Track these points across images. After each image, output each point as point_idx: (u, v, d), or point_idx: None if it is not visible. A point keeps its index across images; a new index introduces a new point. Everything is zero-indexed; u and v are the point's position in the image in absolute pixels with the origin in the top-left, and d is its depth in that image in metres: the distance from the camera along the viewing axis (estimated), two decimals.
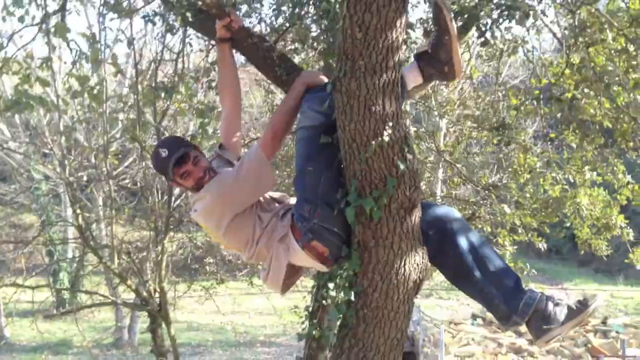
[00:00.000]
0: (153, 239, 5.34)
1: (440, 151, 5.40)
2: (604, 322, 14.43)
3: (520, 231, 5.67)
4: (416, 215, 2.54)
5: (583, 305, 2.52)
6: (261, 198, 2.78)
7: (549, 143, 5.21)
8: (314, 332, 4.19)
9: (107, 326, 18.37)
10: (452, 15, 2.54)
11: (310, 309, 4.39)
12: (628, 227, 4.93)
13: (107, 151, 4.89)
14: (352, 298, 2.54)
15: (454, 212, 2.71)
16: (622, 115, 4.22)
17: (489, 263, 2.58)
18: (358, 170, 2.45)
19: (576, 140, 4.95)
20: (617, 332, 13.50)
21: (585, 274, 24.96)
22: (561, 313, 2.50)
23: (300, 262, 2.69)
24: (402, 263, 2.52)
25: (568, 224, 5.23)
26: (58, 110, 6.06)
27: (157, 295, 5.54)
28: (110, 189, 4.98)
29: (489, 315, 15.62)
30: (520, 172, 5.07)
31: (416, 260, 2.56)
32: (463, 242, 2.57)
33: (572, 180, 5.14)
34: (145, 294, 5.58)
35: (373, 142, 2.38)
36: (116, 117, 6.36)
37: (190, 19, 2.98)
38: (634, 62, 3.71)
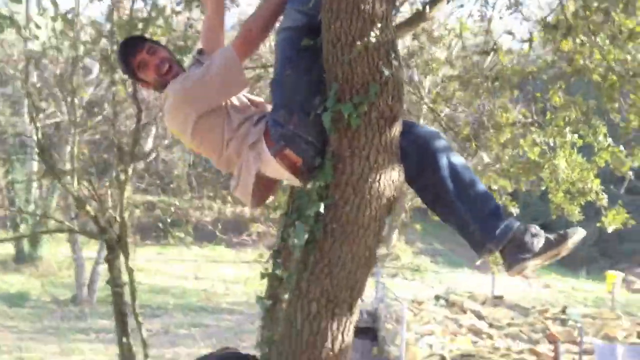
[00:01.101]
0: (117, 161, 5.14)
1: (422, 97, 5.29)
2: (563, 311, 14.79)
3: (494, 194, 5.60)
4: (396, 128, 2.40)
5: (562, 237, 2.43)
6: (236, 100, 2.62)
7: (533, 104, 5.14)
8: (277, 271, 4.08)
9: (66, 282, 18.17)
10: None
11: (275, 247, 4.27)
12: (603, 193, 4.90)
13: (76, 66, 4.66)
14: (322, 210, 2.41)
15: (438, 133, 2.59)
16: (610, 73, 4.14)
17: (469, 187, 2.46)
18: (340, 73, 2.31)
19: (561, 100, 4.89)
20: (575, 321, 13.77)
21: (548, 265, 25.29)
22: (538, 243, 2.39)
23: (271, 172, 2.55)
24: (377, 177, 2.39)
25: (543, 187, 5.19)
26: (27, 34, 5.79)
27: (116, 225, 5.36)
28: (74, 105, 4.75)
29: (452, 297, 15.93)
30: (502, 128, 4.99)
31: (392, 177, 2.43)
32: (444, 163, 2.45)
33: (553, 144, 5.08)
34: (103, 223, 5.39)
35: (359, 43, 2.24)
36: (91, 48, 6.12)
37: None
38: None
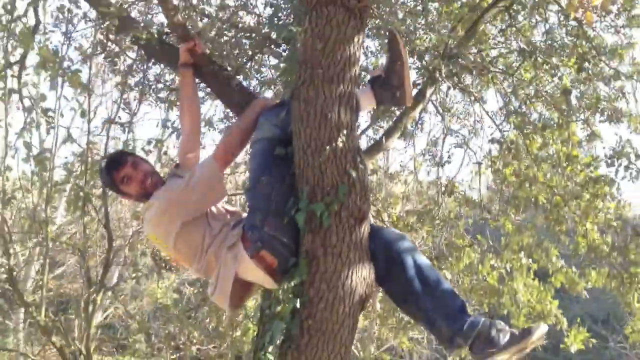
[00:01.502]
0: (86, 290, 5.07)
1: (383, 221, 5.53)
2: None
3: None
4: (365, 227, 2.58)
5: (526, 332, 2.55)
6: (214, 208, 2.78)
7: (487, 227, 5.43)
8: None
9: None
10: (404, 42, 2.76)
11: (257, 333, 4.20)
12: (562, 316, 5.04)
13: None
14: (297, 305, 2.49)
15: (404, 236, 2.77)
16: (554, 197, 4.49)
17: (435, 286, 2.60)
18: (311, 177, 2.52)
19: (512, 227, 5.20)
20: None
21: None
22: (504, 338, 2.51)
23: (248, 274, 2.65)
24: (350, 273, 2.52)
25: (505, 312, 5.31)
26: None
27: (81, 357, 5.16)
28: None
29: None
30: (459, 259, 5.22)
31: (363, 274, 2.57)
32: (410, 265, 2.60)
33: (509, 269, 5.29)
34: (69, 355, 5.18)
35: (327, 148, 2.47)
36: (61, 188, 6.25)
37: (156, 45, 3.11)
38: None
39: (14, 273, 4.97)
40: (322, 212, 2.48)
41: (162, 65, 4.47)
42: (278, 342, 2.55)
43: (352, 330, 2.58)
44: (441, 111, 5.78)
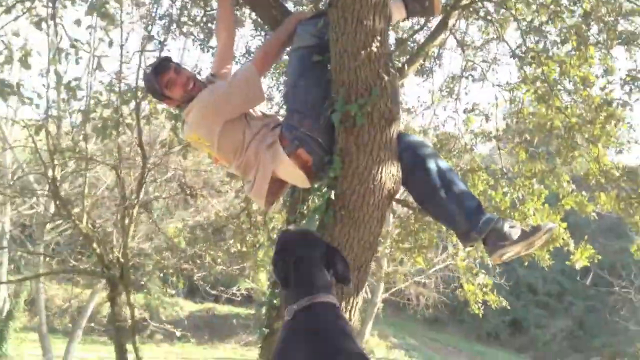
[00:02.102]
0: (121, 203, 5.40)
1: None
2: None
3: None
4: (395, 128, 2.81)
5: (536, 229, 2.81)
6: (252, 111, 3.01)
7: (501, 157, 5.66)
8: (274, 301, 4.31)
9: None
10: None
11: (272, 279, 4.52)
12: (570, 238, 5.29)
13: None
14: (332, 197, 2.74)
15: (426, 141, 3.00)
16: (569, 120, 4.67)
17: (453, 185, 2.84)
18: (346, 79, 2.73)
19: (526, 155, 5.41)
20: None
21: None
22: (515, 233, 2.76)
23: (284, 172, 2.90)
24: (379, 170, 2.76)
25: None
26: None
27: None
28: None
29: None
30: (474, 185, 5.45)
31: (391, 171, 2.81)
32: (432, 166, 2.84)
33: (521, 197, 5.53)
34: (107, 262, 5.56)
35: (362, 52, 2.68)
36: (91, 116, 6.49)
37: None
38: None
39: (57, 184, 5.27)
40: (356, 112, 2.70)
41: None
42: (313, 229, 2.81)
43: (380, 221, 2.84)
44: (460, 44, 5.90)
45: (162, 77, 2.99)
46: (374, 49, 2.69)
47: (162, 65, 3.03)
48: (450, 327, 27.38)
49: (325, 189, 2.79)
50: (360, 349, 1.89)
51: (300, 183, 2.99)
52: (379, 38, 2.70)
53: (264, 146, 2.89)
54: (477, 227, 2.77)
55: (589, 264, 4.98)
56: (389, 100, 2.75)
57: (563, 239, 5.31)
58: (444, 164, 2.92)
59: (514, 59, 4.51)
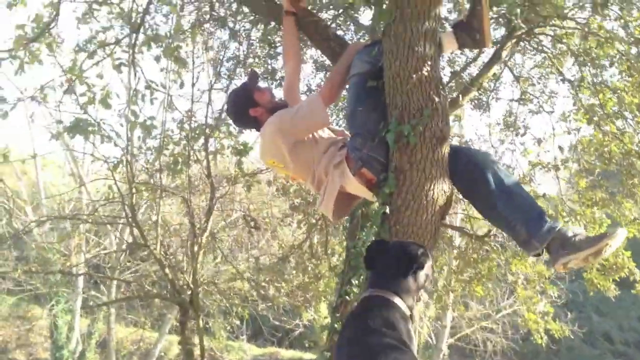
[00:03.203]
0: (191, 234, 5.70)
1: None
2: None
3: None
4: (445, 147, 2.96)
5: (603, 235, 2.69)
6: (322, 132, 3.24)
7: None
8: (335, 325, 4.45)
9: None
10: None
11: (334, 304, 4.67)
12: (636, 268, 5.21)
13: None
14: (387, 212, 2.90)
15: (487, 153, 3.13)
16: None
17: (514, 195, 2.87)
18: (399, 102, 2.92)
19: (586, 183, 5.42)
20: None
21: None
22: (580, 240, 2.68)
23: (351, 188, 3.09)
24: (432, 186, 2.91)
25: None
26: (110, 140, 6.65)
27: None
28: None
29: None
30: None
31: (443, 188, 2.95)
32: (491, 176, 2.91)
33: (584, 226, 5.49)
34: (177, 286, 5.85)
35: (414, 76, 2.87)
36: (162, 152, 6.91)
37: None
38: None
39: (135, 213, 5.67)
40: (409, 132, 2.88)
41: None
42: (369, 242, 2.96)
43: (434, 235, 2.97)
44: (515, 74, 6.02)
45: (253, 85, 3.36)
46: (425, 73, 2.88)
47: (252, 79, 3.37)
48: None
49: (381, 204, 2.96)
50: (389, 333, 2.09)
51: (367, 196, 3.18)
52: (429, 63, 2.89)
53: (332, 165, 3.11)
54: (539, 234, 2.74)
55: None
56: (440, 120, 2.92)
57: (628, 267, 5.25)
58: (504, 173, 2.96)
59: (563, 83, 4.59)
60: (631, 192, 5.05)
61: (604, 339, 26.06)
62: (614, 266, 5.28)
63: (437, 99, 2.89)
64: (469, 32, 3.10)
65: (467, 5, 3.22)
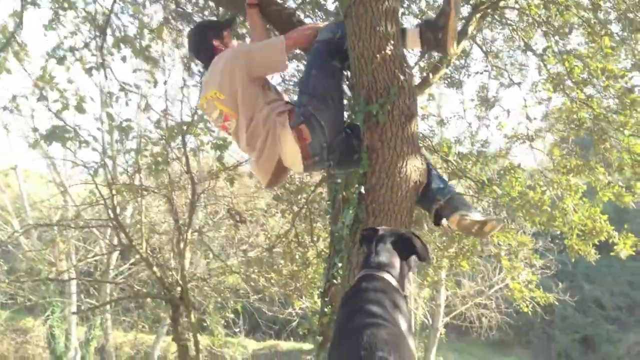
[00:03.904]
0: (176, 232, 5.74)
1: (436, 150, 5.91)
2: None
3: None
4: (415, 123, 3.02)
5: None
6: (271, 84, 3.25)
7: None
8: (325, 309, 4.50)
9: None
10: None
11: (322, 289, 4.72)
12: (614, 230, 5.31)
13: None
14: (362, 191, 2.95)
15: None
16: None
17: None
18: (365, 82, 2.97)
19: (560, 152, 5.51)
20: None
21: None
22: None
23: (285, 145, 3.03)
24: (404, 163, 2.97)
25: (558, 232, 5.62)
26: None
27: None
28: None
29: None
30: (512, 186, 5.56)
31: (416, 164, 3.01)
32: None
33: (560, 194, 5.60)
34: (167, 285, 5.89)
35: (378, 56, 2.92)
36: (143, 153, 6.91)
37: None
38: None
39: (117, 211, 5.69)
40: (377, 111, 2.93)
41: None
42: (348, 223, 3.02)
43: (410, 212, 3.03)
44: (485, 50, 6.09)
45: (227, 26, 3.39)
46: (389, 52, 2.92)
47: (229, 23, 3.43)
48: (517, 349, 26.63)
49: (356, 185, 3.01)
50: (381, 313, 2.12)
51: (296, 164, 3.11)
52: (392, 42, 2.94)
53: (274, 113, 3.05)
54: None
55: (634, 253, 5.00)
56: (407, 97, 2.97)
57: (607, 231, 5.35)
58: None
59: (528, 53, 4.66)
60: (604, 157, 5.15)
61: (596, 305, 26.47)
62: (593, 231, 5.39)
63: (402, 77, 2.94)
64: (433, 30, 3.14)
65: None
